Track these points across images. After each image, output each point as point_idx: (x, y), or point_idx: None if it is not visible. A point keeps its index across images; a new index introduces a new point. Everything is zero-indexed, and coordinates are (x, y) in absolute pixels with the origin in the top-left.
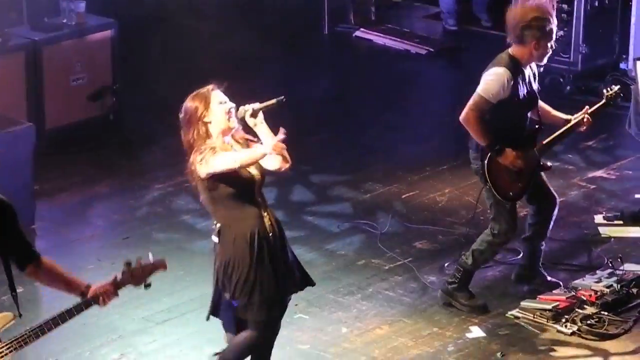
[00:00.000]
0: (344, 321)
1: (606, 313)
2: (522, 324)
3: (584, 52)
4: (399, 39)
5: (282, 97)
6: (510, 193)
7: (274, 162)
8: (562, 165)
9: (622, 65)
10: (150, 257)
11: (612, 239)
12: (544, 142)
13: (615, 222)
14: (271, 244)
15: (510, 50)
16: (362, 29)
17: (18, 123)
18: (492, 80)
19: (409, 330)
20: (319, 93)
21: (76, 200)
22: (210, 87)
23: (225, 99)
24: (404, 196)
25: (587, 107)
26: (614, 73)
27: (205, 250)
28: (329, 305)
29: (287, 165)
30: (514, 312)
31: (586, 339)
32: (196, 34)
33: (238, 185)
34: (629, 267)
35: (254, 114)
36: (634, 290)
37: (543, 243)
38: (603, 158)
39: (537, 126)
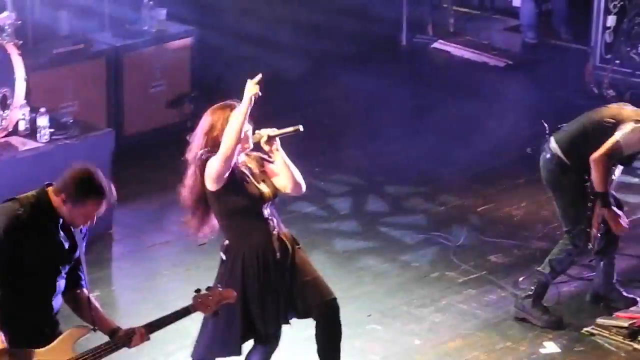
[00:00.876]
0: (416, 333)
1: None
2: (598, 340)
3: None
4: (477, 51)
5: (300, 126)
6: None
7: (285, 182)
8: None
9: None
10: (219, 286)
11: None
12: None
13: None
14: (271, 267)
15: None
16: (440, 41)
17: (98, 128)
18: (631, 130)
19: (482, 344)
20: (396, 104)
21: (153, 206)
22: (231, 104)
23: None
24: (479, 209)
25: None
26: None
27: None
28: (402, 316)
29: (300, 190)
30: (590, 328)
31: None
32: (274, 43)
33: (244, 201)
34: None
35: (269, 141)
36: None
37: (615, 256)
38: None
39: None
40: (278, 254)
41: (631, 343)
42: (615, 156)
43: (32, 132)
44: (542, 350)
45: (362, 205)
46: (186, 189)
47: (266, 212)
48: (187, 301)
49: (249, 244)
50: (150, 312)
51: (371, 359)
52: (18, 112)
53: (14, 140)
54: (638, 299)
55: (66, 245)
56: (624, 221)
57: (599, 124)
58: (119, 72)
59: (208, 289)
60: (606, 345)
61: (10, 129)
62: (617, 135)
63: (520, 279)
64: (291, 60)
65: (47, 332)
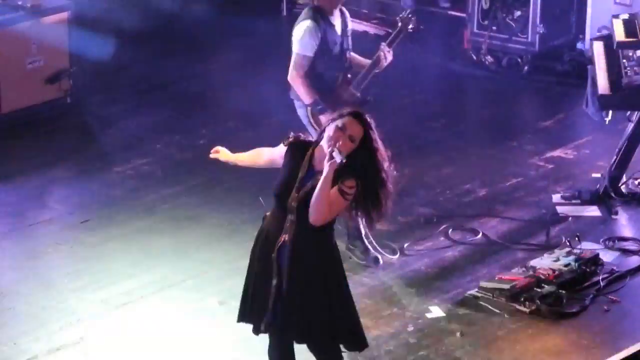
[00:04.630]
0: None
1: (564, 291)
2: (482, 303)
3: (541, 32)
4: (357, 21)
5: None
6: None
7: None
8: (520, 145)
9: (579, 46)
10: None
11: (570, 218)
12: (353, 84)
13: (573, 201)
14: (265, 260)
15: (315, 1)
16: None
17: None
18: (301, 35)
19: (369, 310)
20: (278, 76)
21: (34, 183)
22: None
23: (348, 129)
24: None
25: (382, 43)
26: (571, 53)
27: (164, 233)
28: None
29: (311, 218)
30: (473, 292)
31: (544, 317)
32: (154, 13)
33: (276, 189)
34: (586, 245)
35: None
36: (591, 269)
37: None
38: (561, 137)
39: (348, 74)
40: (274, 255)
41: (513, 304)
42: (303, 65)
43: None
44: (428, 315)
45: None
46: None
47: (290, 216)
48: (72, 278)
49: (264, 225)
50: (33, 290)
51: None
52: None
53: None
54: (380, 257)
55: None
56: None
57: None
58: None
59: None
60: (489, 307)
61: None
62: (294, 48)
63: (405, 245)
64: (169, 32)
65: None
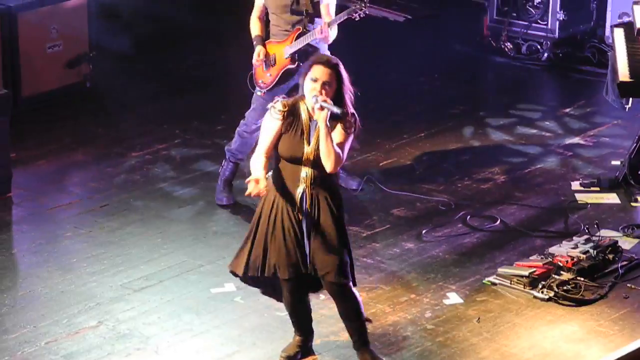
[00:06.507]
0: (322, 288)
1: (582, 279)
2: (499, 290)
3: (561, 19)
4: (376, 7)
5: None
6: (261, 81)
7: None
8: (540, 132)
9: (600, 32)
10: None
11: (589, 206)
12: (290, 42)
13: (592, 188)
14: (286, 219)
15: None
16: None
17: None
18: None
19: (386, 297)
20: None
21: (53, 168)
22: (322, 59)
23: (319, 77)
24: (381, 164)
25: (324, 21)
26: (592, 40)
27: (182, 218)
28: None
29: (326, 168)
30: (491, 278)
31: (562, 304)
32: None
33: (285, 152)
34: (605, 233)
35: (321, 108)
36: (610, 256)
37: None
38: (580, 125)
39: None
40: (293, 212)
41: (531, 291)
42: (256, 8)
43: None
44: (446, 301)
45: None
46: None
47: (303, 171)
48: (91, 262)
49: (275, 188)
50: (52, 274)
51: (277, 315)
52: None
53: None
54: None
55: None
56: None
57: None
58: (14, 32)
59: None
60: (507, 294)
61: None
62: None
63: (424, 231)
64: (187, 15)
65: None
